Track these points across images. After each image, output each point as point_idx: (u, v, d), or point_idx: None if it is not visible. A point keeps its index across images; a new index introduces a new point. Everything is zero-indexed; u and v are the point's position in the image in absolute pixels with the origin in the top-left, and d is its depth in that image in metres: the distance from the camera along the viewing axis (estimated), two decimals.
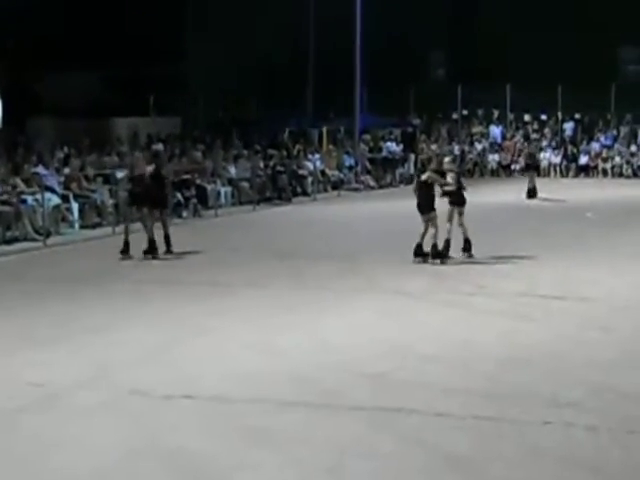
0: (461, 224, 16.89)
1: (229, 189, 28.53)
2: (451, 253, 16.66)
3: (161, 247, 17.80)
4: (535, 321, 12.05)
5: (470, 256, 16.86)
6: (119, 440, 7.80)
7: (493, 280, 14.98)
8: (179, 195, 25.09)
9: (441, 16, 44.70)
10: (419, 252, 16.50)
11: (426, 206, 16.48)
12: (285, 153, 32.74)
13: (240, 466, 7.26)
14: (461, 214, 16.97)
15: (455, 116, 43.82)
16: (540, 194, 29.35)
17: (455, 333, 11.44)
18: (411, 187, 17.23)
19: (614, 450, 7.49)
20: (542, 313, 12.51)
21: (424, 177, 16.76)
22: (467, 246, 16.94)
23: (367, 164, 36.41)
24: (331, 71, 38.46)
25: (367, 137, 38.47)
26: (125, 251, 17.58)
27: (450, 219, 16.84)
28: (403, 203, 17.62)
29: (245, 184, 29.15)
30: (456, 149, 40.64)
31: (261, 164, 30.53)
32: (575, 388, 9.05)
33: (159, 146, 30.85)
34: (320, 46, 40.77)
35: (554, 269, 15.96)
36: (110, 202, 23.01)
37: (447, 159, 17.99)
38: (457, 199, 17.01)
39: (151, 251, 17.61)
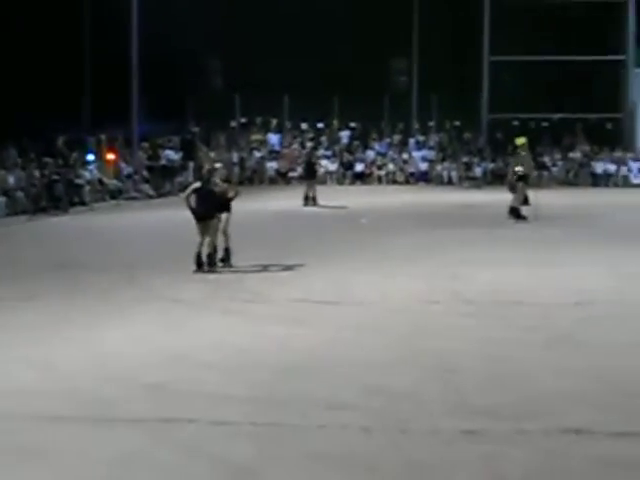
0: (225, 231, 17.01)
1: (3, 199, 27.61)
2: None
3: None
4: (311, 326, 12.25)
5: (230, 266, 16.94)
6: None
7: (269, 287, 15.12)
8: None
9: (217, 24, 44.79)
10: (200, 262, 16.49)
11: (210, 215, 16.55)
12: (61, 161, 32.00)
13: None
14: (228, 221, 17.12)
15: (233, 124, 44.06)
16: (317, 201, 29.96)
17: (232, 340, 11.48)
18: (184, 195, 17.13)
19: (388, 450, 7.71)
20: (318, 318, 12.74)
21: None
22: (227, 256, 17.06)
23: (145, 172, 36.07)
24: (108, 78, 37.85)
25: (145, 145, 38.10)
26: None
27: (225, 227, 16.98)
28: (182, 212, 17.55)
29: (20, 193, 28.31)
30: (235, 157, 40.90)
31: (36, 173, 29.72)
32: (350, 390, 9.26)
33: None
34: (97, 52, 40.07)
35: (329, 275, 16.29)
36: None
37: (218, 165, 18.14)
38: (228, 206, 17.16)
39: None
